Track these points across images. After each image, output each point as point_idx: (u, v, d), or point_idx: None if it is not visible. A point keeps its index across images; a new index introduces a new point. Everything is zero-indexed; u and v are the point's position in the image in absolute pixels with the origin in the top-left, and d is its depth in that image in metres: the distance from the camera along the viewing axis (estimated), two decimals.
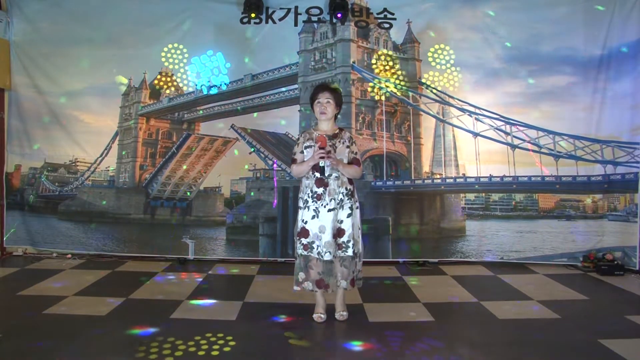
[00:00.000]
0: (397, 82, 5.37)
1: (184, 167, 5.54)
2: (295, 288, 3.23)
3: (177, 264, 4.96)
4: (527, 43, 5.18)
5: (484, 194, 5.50)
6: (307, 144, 3.17)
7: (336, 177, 3.14)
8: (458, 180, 5.38)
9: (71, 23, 5.23)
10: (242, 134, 5.44)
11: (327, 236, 3.10)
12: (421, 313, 3.47)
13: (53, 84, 5.27)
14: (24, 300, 3.64)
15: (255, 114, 5.47)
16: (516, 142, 5.19)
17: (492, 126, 5.23)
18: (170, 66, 5.40)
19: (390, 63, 5.39)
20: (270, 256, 5.18)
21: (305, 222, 3.15)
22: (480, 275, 4.71)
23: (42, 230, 5.36)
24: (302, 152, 3.19)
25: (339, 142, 3.18)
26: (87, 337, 2.92)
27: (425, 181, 5.43)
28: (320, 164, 3.03)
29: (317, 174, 3.11)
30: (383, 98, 5.38)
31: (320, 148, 3.02)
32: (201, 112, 5.57)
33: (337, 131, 3.23)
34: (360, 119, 5.43)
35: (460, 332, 3.11)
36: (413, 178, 5.39)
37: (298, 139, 3.31)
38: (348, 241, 3.15)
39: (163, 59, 5.35)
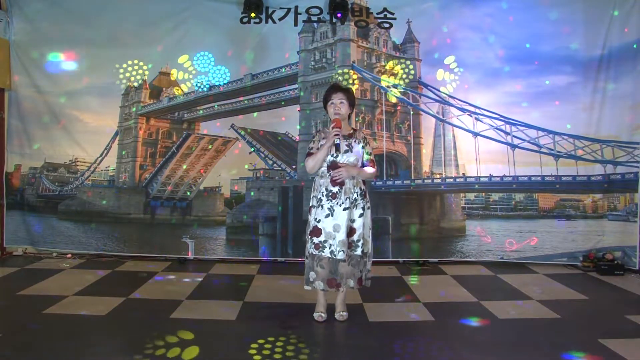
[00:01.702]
0: (398, 81, 5.38)
1: (184, 166, 5.53)
2: (307, 287, 3.21)
3: (177, 264, 4.95)
4: (526, 42, 5.17)
5: (483, 194, 5.50)
6: (323, 142, 3.16)
7: (351, 176, 3.14)
8: (458, 180, 5.38)
9: (71, 23, 5.22)
10: (242, 133, 5.44)
11: (342, 235, 3.09)
12: (421, 313, 3.46)
13: (53, 83, 5.26)
14: (23, 300, 3.63)
15: (255, 114, 5.47)
16: (516, 141, 5.19)
17: (492, 126, 5.23)
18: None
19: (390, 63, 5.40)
20: (271, 256, 5.18)
21: (319, 221, 3.13)
22: (480, 275, 4.71)
23: (42, 230, 5.35)
24: (318, 148, 3.17)
25: (355, 142, 3.19)
26: (87, 337, 2.92)
27: (425, 181, 5.42)
28: (336, 141, 3.04)
29: (332, 173, 3.11)
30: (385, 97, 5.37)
31: (335, 127, 3.05)
32: (201, 111, 5.57)
33: (352, 131, 3.24)
34: (360, 118, 5.42)
35: (460, 332, 3.11)
36: (413, 178, 5.39)
37: (313, 136, 3.29)
38: (358, 240, 3.15)
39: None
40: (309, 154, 3.18)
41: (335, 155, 3.11)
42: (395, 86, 5.37)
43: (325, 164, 3.15)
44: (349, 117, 3.29)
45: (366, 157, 3.20)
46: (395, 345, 2.84)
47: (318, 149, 3.16)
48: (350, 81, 5.31)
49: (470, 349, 2.82)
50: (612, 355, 2.70)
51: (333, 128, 3.07)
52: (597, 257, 4.82)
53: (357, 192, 3.15)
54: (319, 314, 3.22)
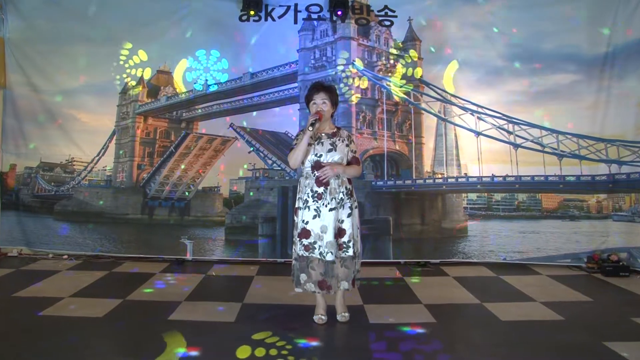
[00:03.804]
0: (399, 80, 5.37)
1: (182, 166, 5.52)
2: (297, 290, 3.20)
3: (175, 265, 4.94)
4: (529, 41, 5.16)
5: (486, 194, 5.49)
6: None
7: (336, 176, 3.14)
8: (460, 180, 5.36)
9: (67, 20, 5.21)
10: (241, 133, 5.42)
11: (329, 236, 3.08)
12: (423, 314, 3.44)
13: (49, 82, 5.25)
14: (19, 302, 3.61)
15: (254, 113, 5.46)
16: (519, 141, 5.17)
17: (495, 125, 5.22)
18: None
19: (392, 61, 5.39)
20: (270, 257, 5.16)
21: (306, 223, 3.13)
22: (482, 276, 4.68)
23: (38, 230, 5.34)
24: None
25: (339, 140, 3.19)
26: (83, 340, 2.90)
27: (427, 181, 5.41)
28: (311, 121, 3.06)
29: (317, 172, 3.11)
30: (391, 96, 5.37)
31: (315, 114, 3.09)
32: (199, 110, 5.55)
33: (336, 130, 3.25)
34: (360, 117, 5.41)
35: (462, 334, 3.09)
36: (414, 178, 5.37)
37: (298, 134, 3.30)
38: (349, 241, 3.14)
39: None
40: (292, 149, 3.19)
41: (319, 155, 3.11)
42: (396, 84, 5.36)
43: (309, 164, 3.15)
44: (332, 115, 3.30)
45: (350, 155, 3.21)
46: (396, 347, 2.82)
47: None
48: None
49: (473, 351, 2.80)
50: (617, 358, 2.68)
51: (314, 115, 3.10)
52: (602, 258, 4.78)
53: (342, 192, 3.15)
54: (319, 317, 3.21)
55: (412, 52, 5.39)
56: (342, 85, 5.30)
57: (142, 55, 5.32)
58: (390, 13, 5.34)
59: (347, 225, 3.14)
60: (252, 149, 5.41)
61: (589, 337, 3.00)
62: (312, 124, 3.05)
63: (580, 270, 4.84)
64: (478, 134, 5.25)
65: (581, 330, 3.14)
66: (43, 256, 5.16)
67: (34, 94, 5.24)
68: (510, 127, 5.20)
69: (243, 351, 2.73)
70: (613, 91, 4.97)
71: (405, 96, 5.39)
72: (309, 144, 3.12)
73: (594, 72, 5.01)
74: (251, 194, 5.37)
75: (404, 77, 5.39)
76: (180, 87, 5.53)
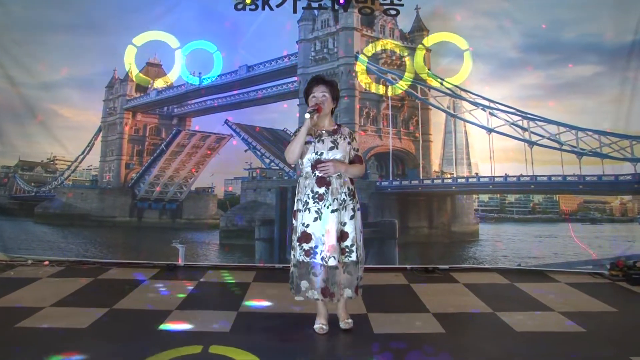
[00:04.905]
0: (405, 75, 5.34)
1: (174, 165, 5.50)
2: (298, 298, 3.16)
3: (166, 271, 4.89)
4: (546, 30, 5.12)
5: (498, 195, 5.49)
6: (307, 139, 3.12)
7: (338, 175, 3.11)
8: (470, 180, 5.35)
9: (48, 7, 5.19)
10: (236, 130, 5.40)
11: (332, 240, 3.03)
12: (430, 324, 3.40)
13: (28, 74, 5.20)
14: None
15: (251, 109, 5.43)
16: (534, 138, 5.13)
17: (508, 121, 5.19)
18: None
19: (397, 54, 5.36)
20: (267, 262, 5.11)
21: (307, 226, 3.09)
22: (495, 283, 4.64)
23: (16, 235, 5.28)
24: None
25: (340, 137, 3.16)
26: (65, 353, 2.82)
27: (435, 181, 5.40)
28: (309, 110, 3.03)
29: (318, 172, 3.07)
30: (390, 93, 5.33)
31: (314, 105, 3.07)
32: (193, 106, 5.54)
33: (336, 127, 3.23)
34: (364, 113, 5.39)
35: (474, 346, 3.05)
36: (421, 178, 5.37)
37: (296, 131, 3.24)
38: (352, 245, 3.10)
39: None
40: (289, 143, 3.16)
41: (320, 153, 3.09)
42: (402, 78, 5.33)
43: (309, 163, 3.12)
44: (332, 112, 3.28)
45: (353, 153, 3.19)
46: (402, 359, 2.78)
47: None
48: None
49: None
50: None
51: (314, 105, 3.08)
52: (627, 265, 4.70)
53: (344, 192, 3.12)
54: (320, 326, 3.17)
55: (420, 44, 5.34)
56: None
57: None
58: (396, 1, 5.33)
59: (349, 228, 3.11)
60: (248, 147, 5.39)
61: (614, 351, 2.94)
62: (310, 113, 3.01)
63: (602, 278, 4.78)
64: (490, 130, 5.21)
65: (605, 344, 3.08)
66: (21, 262, 5.08)
67: (11, 87, 5.18)
68: (525, 123, 5.17)
69: None
70: None
71: (412, 90, 5.34)
72: (308, 142, 3.08)
73: (618, 63, 4.95)
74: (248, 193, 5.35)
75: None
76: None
